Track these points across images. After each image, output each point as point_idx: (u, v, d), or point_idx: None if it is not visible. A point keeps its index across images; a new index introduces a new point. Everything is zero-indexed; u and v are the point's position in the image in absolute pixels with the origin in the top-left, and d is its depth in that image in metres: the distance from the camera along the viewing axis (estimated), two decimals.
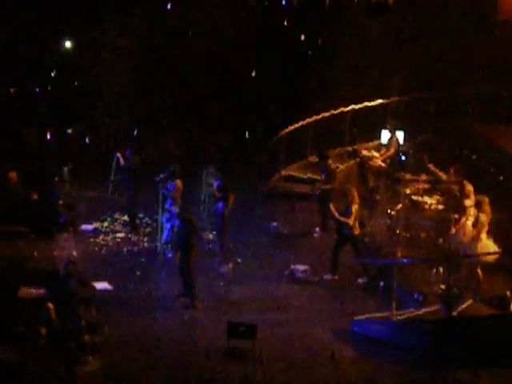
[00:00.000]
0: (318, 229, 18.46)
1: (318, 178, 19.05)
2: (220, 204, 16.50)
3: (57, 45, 24.25)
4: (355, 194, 15.97)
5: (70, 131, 23.67)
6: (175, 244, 15.50)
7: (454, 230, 15.42)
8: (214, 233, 17.55)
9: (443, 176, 17.49)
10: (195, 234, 14.97)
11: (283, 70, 24.92)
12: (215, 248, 17.06)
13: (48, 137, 22.88)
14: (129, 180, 18.36)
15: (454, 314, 13.40)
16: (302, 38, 24.60)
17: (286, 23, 24.80)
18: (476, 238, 14.33)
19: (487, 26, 23.86)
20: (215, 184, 17.14)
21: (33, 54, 23.13)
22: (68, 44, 24.27)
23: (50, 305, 12.63)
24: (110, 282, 15.45)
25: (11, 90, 23.15)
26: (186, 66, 24.80)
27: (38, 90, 23.84)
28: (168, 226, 16.88)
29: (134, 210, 18.53)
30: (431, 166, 17.79)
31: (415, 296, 14.47)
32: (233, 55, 24.83)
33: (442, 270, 14.96)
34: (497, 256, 14.31)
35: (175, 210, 16.12)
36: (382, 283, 15.47)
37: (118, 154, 18.67)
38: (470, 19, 24.12)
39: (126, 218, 18.89)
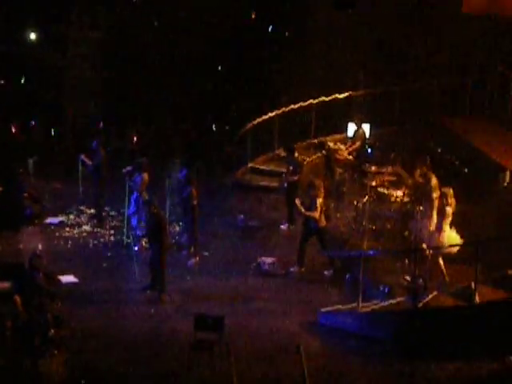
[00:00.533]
0: (284, 221, 18.48)
1: (285, 170, 19.08)
2: (185, 193, 16.50)
3: (22, 37, 24.03)
4: (321, 187, 16.00)
5: (33, 123, 23.44)
6: (147, 237, 15.47)
7: (417, 222, 15.53)
8: (181, 224, 17.52)
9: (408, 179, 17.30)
10: (164, 226, 14.97)
11: (250, 62, 24.92)
12: (182, 241, 17.03)
13: (13, 129, 22.67)
14: (95, 173, 18.25)
15: (420, 305, 13.51)
16: (269, 30, 24.63)
17: (253, 16, 24.82)
18: (440, 230, 14.45)
19: (452, 19, 24.04)
20: (180, 174, 17.16)
21: None
22: (33, 36, 24.05)
23: (17, 298, 12.53)
24: (75, 276, 15.37)
25: None
26: (153, 58, 24.70)
27: (2, 82, 23.64)
28: (135, 219, 16.82)
29: (100, 202, 18.43)
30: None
31: (381, 288, 14.57)
32: (200, 48, 24.78)
33: (407, 261, 15.09)
34: (461, 247, 14.45)
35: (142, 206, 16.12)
36: (348, 275, 15.55)
37: (82, 156, 18.52)
38: (435, 13, 24.28)
39: (92, 210, 18.79)
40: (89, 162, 18.24)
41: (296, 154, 18.78)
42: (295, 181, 18.13)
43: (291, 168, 18.43)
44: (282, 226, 18.35)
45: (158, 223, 14.71)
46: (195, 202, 16.44)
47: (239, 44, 25.00)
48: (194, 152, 22.53)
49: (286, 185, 18.44)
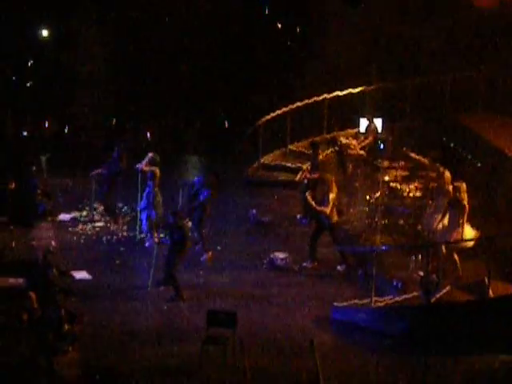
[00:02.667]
0: (299, 216, 18.41)
1: (300, 166, 19.02)
2: (202, 196, 16.52)
3: (33, 34, 24.07)
4: (333, 183, 15.98)
5: (47, 123, 23.49)
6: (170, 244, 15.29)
7: (430, 217, 15.48)
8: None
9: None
10: (188, 239, 14.92)
11: (262, 58, 24.89)
12: (195, 236, 17.03)
13: (25, 126, 22.74)
14: (109, 177, 18.24)
15: (433, 300, 13.47)
16: (280, 26, 24.61)
17: (265, 13, 24.78)
18: (454, 225, 14.40)
19: (465, 14, 23.96)
20: (196, 180, 17.16)
21: (9, 43, 22.95)
22: (45, 33, 24.09)
23: (32, 294, 12.56)
24: (88, 272, 15.42)
25: None
26: (165, 54, 24.69)
27: (14, 78, 23.69)
28: (144, 215, 16.84)
29: (111, 199, 18.39)
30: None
31: (394, 283, 14.56)
32: (211, 45, 24.77)
33: (420, 256, 15.06)
34: (474, 242, 14.41)
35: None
36: (361, 270, 15.54)
37: (93, 173, 18.51)
38: (447, 7, 24.19)
39: (102, 207, 18.79)
40: (99, 172, 18.26)
41: (319, 151, 18.69)
42: (315, 178, 18.04)
43: (309, 165, 18.35)
44: (304, 221, 18.19)
45: (184, 236, 14.65)
46: (206, 201, 16.44)
47: (251, 40, 24.96)
48: (207, 148, 22.55)
49: (305, 181, 18.39)
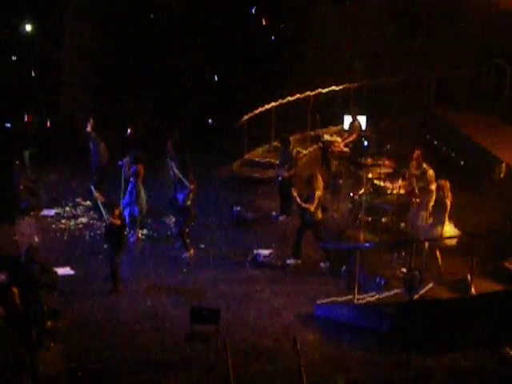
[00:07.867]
0: (278, 213, 18.43)
1: (278, 162, 19.02)
2: (180, 195, 16.54)
3: (17, 29, 23.94)
4: (320, 180, 15.98)
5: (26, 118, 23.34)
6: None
7: (413, 214, 15.53)
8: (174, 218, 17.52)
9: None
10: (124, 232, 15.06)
11: (247, 54, 24.88)
12: (174, 233, 17.00)
13: (8, 121, 22.61)
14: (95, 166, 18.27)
15: (416, 297, 13.53)
16: (264, 23, 24.60)
17: (251, 9, 24.78)
18: (437, 222, 14.46)
19: (448, 11, 24.05)
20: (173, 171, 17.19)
21: None
22: (28, 28, 23.97)
23: (15, 289, 12.50)
24: (71, 267, 15.38)
25: None
26: (150, 50, 24.62)
27: None
28: (127, 211, 16.80)
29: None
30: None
31: (377, 280, 14.62)
32: (196, 39, 24.73)
33: (403, 253, 15.12)
34: (457, 239, 14.47)
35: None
36: (344, 267, 15.56)
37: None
38: (432, 5, 24.29)
39: (87, 203, 18.73)
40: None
41: (291, 147, 18.67)
42: (289, 176, 18.05)
43: (286, 164, 18.32)
44: (280, 218, 18.29)
45: (120, 228, 14.73)
46: (189, 203, 16.45)
47: (237, 36, 24.94)
48: (190, 144, 22.47)
49: (280, 179, 18.40)
